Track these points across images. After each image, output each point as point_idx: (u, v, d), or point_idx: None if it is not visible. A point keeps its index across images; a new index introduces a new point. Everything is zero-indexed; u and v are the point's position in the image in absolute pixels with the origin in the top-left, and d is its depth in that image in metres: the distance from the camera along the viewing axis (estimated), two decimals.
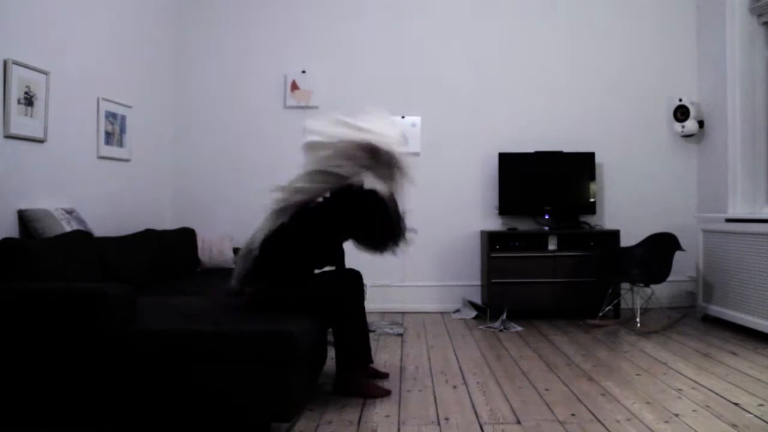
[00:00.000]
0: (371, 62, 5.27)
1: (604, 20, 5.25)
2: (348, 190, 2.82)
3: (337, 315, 2.85)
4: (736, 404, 2.70)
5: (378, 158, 2.75)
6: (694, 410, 2.63)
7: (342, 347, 2.87)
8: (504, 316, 4.51)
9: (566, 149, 5.10)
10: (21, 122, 3.18)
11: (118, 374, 2.31)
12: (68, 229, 3.24)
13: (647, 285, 4.47)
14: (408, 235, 2.88)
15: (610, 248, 4.69)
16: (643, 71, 5.23)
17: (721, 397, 2.80)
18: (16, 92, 3.13)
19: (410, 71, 5.26)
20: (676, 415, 2.57)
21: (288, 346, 2.29)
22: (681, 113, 5.05)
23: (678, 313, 4.68)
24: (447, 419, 2.57)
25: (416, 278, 5.22)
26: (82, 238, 3.22)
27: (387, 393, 2.89)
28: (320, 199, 2.92)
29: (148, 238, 4.15)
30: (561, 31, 5.26)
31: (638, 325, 4.32)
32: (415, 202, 5.20)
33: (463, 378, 3.18)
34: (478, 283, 5.17)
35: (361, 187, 2.81)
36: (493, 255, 4.74)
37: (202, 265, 4.74)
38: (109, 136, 4.12)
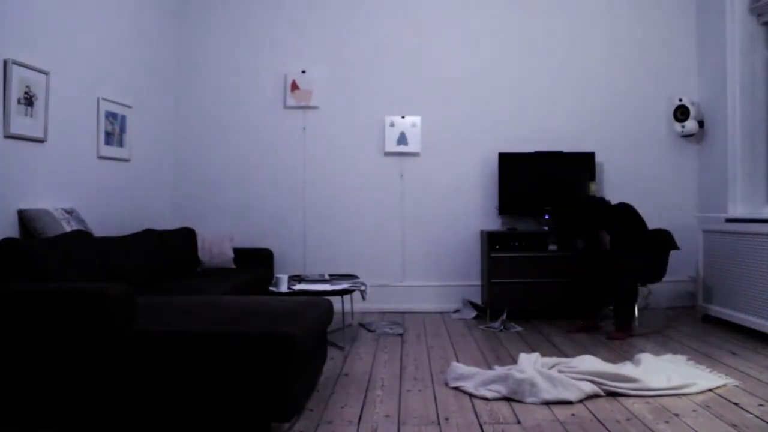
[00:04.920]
0: (371, 62, 5.27)
1: (603, 20, 5.25)
2: None
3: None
4: (736, 404, 2.70)
5: None
6: (694, 410, 2.63)
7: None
8: (504, 316, 4.51)
9: (566, 149, 5.10)
10: (21, 122, 3.18)
11: (118, 374, 2.32)
12: (68, 229, 3.25)
13: (644, 284, 4.47)
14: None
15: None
16: (643, 71, 5.23)
17: (721, 397, 2.80)
18: (16, 92, 3.13)
19: (410, 71, 5.26)
20: (676, 415, 2.57)
21: (288, 347, 2.29)
22: (681, 113, 5.05)
23: (677, 314, 4.68)
24: (447, 419, 2.57)
25: (416, 278, 5.23)
26: (82, 238, 3.22)
27: None
28: None
29: (148, 238, 4.15)
30: (561, 31, 5.26)
31: (637, 324, 4.32)
32: (415, 202, 5.21)
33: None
34: (478, 283, 5.17)
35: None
36: (493, 255, 4.74)
37: (202, 265, 4.74)
38: (109, 136, 4.12)
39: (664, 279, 4.36)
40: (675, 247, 4.27)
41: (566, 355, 3.55)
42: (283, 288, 3.90)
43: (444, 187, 5.24)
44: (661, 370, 3.07)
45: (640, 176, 5.21)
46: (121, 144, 4.29)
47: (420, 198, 5.26)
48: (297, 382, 2.42)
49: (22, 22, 3.22)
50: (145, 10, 4.73)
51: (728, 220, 4.48)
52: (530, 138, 5.17)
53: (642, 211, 4.74)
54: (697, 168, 5.21)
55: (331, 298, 3.45)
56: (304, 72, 5.24)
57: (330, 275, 4.53)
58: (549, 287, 4.71)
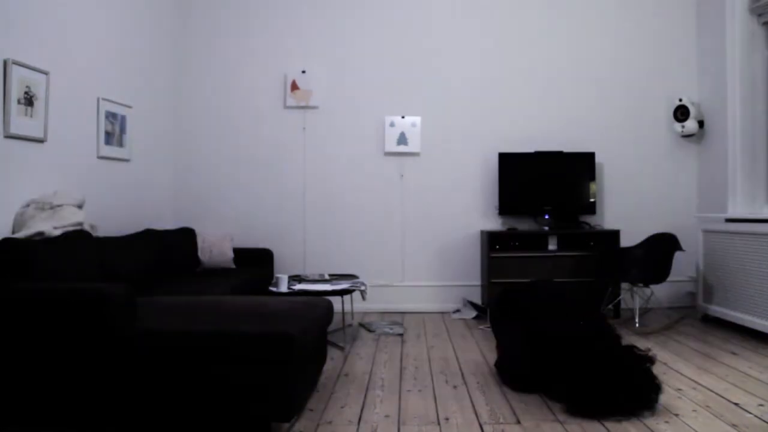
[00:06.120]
0: (371, 62, 5.27)
1: (604, 20, 5.26)
2: None
3: None
4: (736, 404, 2.70)
5: None
6: (694, 410, 2.63)
7: None
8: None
9: (566, 149, 5.11)
10: (21, 122, 3.18)
11: (118, 374, 2.32)
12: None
13: (647, 285, 4.47)
14: None
15: (610, 248, 4.69)
16: (643, 71, 5.24)
17: (721, 397, 2.80)
18: (16, 92, 3.13)
19: (410, 71, 5.26)
20: (676, 415, 2.57)
21: (287, 347, 2.29)
22: (681, 113, 5.06)
23: (678, 314, 4.68)
24: (447, 419, 2.57)
25: (416, 278, 5.23)
26: (82, 238, 3.22)
27: None
28: None
29: (148, 238, 4.15)
30: (561, 31, 5.26)
31: (637, 325, 4.32)
32: (415, 202, 5.22)
33: (463, 378, 3.18)
34: (478, 283, 5.17)
35: None
36: (493, 255, 4.74)
37: (202, 265, 4.74)
38: (109, 136, 4.12)
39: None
40: (679, 248, 4.30)
41: None
42: (283, 288, 3.90)
43: (444, 187, 5.24)
44: None
45: (640, 176, 5.21)
46: (121, 144, 4.29)
47: (420, 198, 5.26)
48: (297, 382, 2.42)
49: (22, 22, 3.22)
50: (146, 10, 4.73)
51: (728, 220, 4.48)
52: (530, 138, 5.17)
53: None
54: (697, 168, 5.21)
55: (331, 298, 3.45)
56: (304, 72, 5.24)
57: (330, 275, 4.53)
58: None
